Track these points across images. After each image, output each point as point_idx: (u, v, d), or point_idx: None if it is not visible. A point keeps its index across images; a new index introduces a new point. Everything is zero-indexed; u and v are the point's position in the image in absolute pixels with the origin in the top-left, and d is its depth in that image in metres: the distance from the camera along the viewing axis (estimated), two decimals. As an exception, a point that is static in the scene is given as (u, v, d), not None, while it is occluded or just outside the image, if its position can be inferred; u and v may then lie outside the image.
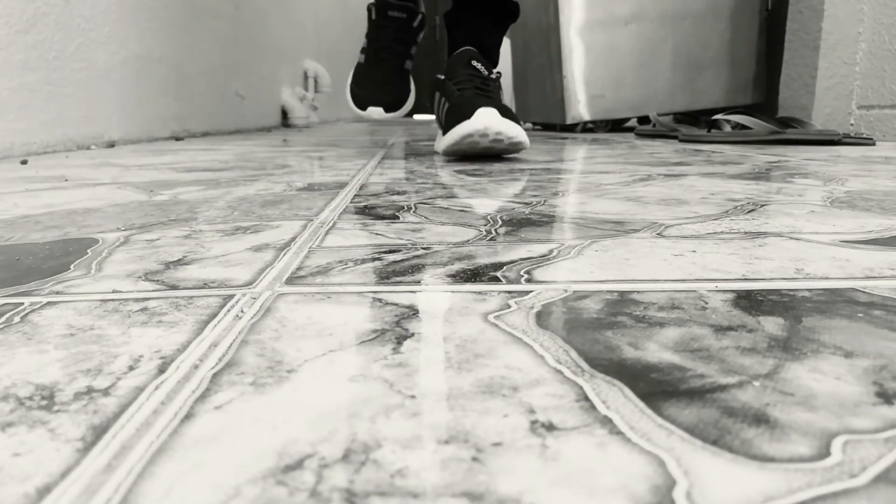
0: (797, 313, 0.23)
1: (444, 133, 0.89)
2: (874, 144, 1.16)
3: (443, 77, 0.95)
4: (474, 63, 0.93)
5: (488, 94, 0.89)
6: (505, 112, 0.84)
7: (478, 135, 0.82)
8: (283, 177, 0.72)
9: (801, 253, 0.32)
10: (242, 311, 0.24)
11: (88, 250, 0.35)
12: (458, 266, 0.30)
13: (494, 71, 0.93)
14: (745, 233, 0.38)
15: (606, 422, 0.15)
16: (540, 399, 0.16)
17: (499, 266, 0.30)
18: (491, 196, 0.54)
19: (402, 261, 0.31)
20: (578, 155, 1.02)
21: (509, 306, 0.24)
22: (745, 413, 0.15)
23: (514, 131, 0.83)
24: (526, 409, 0.16)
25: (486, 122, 0.81)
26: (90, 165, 0.89)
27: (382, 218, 0.44)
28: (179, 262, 0.32)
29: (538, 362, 0.19)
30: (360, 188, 0.61)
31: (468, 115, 0.82)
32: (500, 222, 0.42)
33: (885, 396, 0.16)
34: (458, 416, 0.15)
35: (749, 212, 0.45)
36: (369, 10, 1.02)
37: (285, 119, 2.46)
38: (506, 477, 0.13)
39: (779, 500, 0.12)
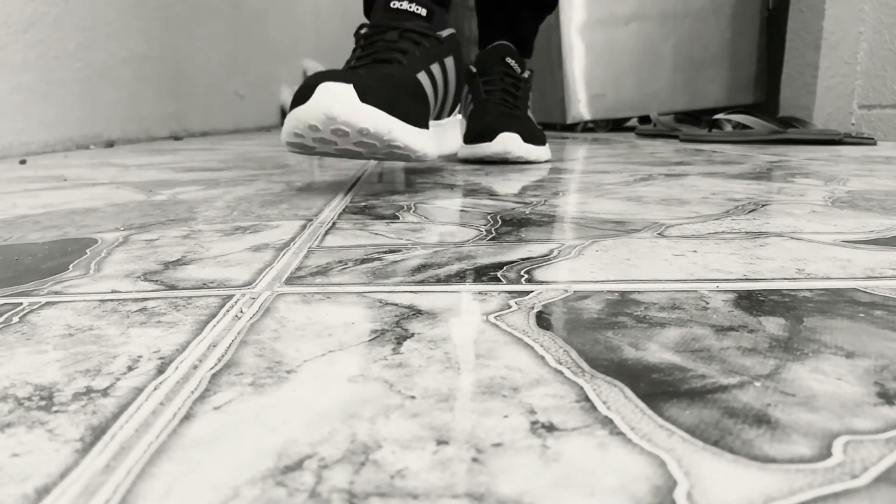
0: (798, 313, 0.23)
1: (464, 137, 0.86)
2: (875, 144, 1.16)
3: (474, 70, 0.90)
4: (508, 60, 0.90)
5: (515, 103, 0.88)
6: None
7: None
8: (282, 176, 0.72)
9: (803, 253, 0.32)
10: (242, 312, 0.24)
11: (87, 250, 0.35)
12: (458, 266, 0.30)
13: (527, 70, 0.92)
14: (746, 233, 0.38)
15: (607, 422, 0.15)
16: (540, 399, 0.16)
17: (499, 266, 0.30)
18: (491, 196, 0.54)
19: (402, 261, 0.31)
20: (579, 154, 1.01)
21: (510, 306, 0.24)
22: (747, 414, 0.15)
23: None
24: (526, 409, 0.16)
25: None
26: (89, 165, 0.89)
27: (382, 218, 0.44)
28: (178, 262, 0.32)
29: (538, 363, 0.19)
30: (360, 188, 0.61)
31: (490, 139, 0.82)
32: (500, 222, 0.42)
33: (886, 397, 0.16)
34: (458, 417, 0.15)
35: (750, 212, 0.45)
36: (357, 35, 0.62)
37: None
38: (506, 478, 0.13)
39: (780, 501, 0.12)
